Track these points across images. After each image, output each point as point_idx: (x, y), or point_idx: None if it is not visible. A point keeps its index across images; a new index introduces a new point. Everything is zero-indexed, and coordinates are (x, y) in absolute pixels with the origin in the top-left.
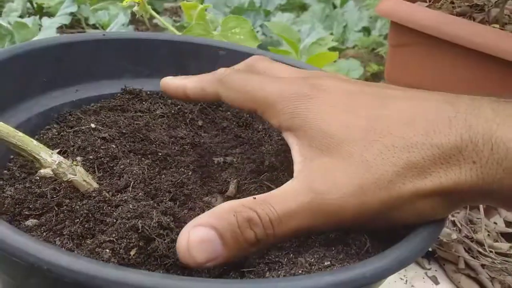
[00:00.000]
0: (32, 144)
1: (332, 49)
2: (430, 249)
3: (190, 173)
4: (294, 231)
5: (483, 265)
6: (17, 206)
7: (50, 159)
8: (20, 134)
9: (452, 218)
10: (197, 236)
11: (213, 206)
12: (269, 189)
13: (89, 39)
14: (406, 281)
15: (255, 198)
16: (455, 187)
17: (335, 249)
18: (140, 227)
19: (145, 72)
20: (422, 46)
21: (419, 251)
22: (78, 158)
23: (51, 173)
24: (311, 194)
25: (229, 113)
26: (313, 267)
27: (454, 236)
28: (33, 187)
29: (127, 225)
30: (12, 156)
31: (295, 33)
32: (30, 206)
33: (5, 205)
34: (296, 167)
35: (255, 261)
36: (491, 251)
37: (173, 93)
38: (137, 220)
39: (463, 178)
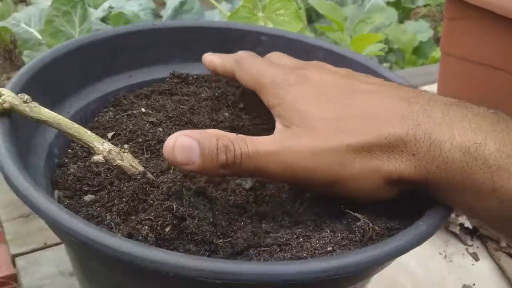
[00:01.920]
0: (86, 135)
1: (402, 8)
2: (471, 226)
3: None
4: (256, 169)
5: None
6: (78, 182)
7: (101, 147)
8: (76, 125)
9: None
10: (183, 141)
11: (243, 188)
12: None
13: (141, 29)
14: (445, 256)
15: (237, 135)
16: (395, 172)
17: (340, 236)
18: (174, 208)
19: (192, 57)
20: (475, 20)
21: (415, 243)
22: (126, 146)
23: (103, 159)
24: (277, 146)
25: None
26: (316, 251)
27: None
28: (92, 165)
29: (163, 206)
30: None
31: (341, 12)
32: (89, 183)
33: (68, 182)
34: (275, 131)
35: (270, 242)
36: None
37: (207, 66)
38: (172, 202)
39: (403, 166)
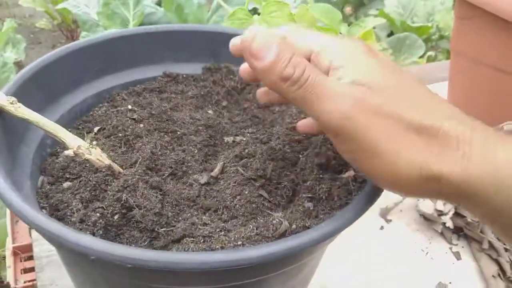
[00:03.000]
0: (61, 132)
1: None
2: (453, 226)
3: (196, 151)
4: (311, 101)
5: (506, 249)
6: (61, 170)
7: (73, 143)
8: (53, 124)
9: None
10: (265, 38)
11: (198, 183)
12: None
13: (135, 33)
14: (427, 253)
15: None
16: (438, 167)
17: (255, 232)
18: (123, 199)
19: (184, 58)
20: (481, 20)
21: (304, 245)
22: (94, 142)
23: (73, 153)
24: (345, 93)
25: (250, 95)
26: (229, 244)
27: None
28: (75, 157)
29: (115, 197)
30: (69, 129)
31: (337, 15)
32: (71, 171)
33: (55, 169)
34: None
35: (200, 233)
36: None
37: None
38: (123, 193)
39: (448, 163)
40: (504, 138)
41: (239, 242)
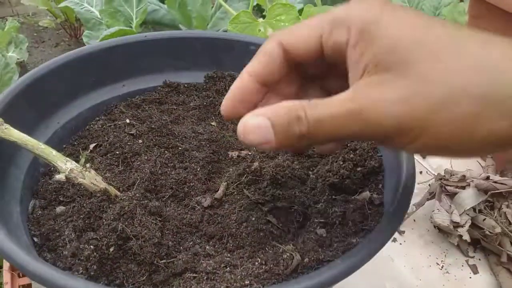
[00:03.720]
0: (51, 155)
1: None
2: (470, 239)
3: (198, 169)
4: (335, 133)
5: None
6: (54, 193)
7: (64, 166)
8: (43, 146)
9: (504, 210)
10: (254, 122)
11: (201, 206)
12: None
13: (133, 41)
14: (442, 266)
15: (310, 100)
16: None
17: (264, 268)
18: (119, 229)
19: (184, 66)
20: (496, 18)
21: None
22: (88, 165)
23: (64, 178)
24: (353, 104)
25: None
26: (235, 284)
27: (498, 229)
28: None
29: (111, 226)
30: (64, 146)
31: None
32: (65, 194)
33: (48, 191)
34: (355, 78)
35: (203, 268)
36: None
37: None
38: (119, 222)
39: None
40: None
41: (247, 282)
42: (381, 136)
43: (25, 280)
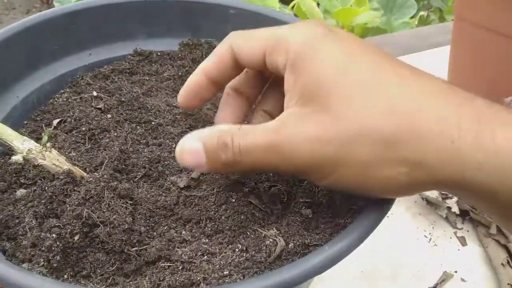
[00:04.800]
0: (6, 133)
1: None
2: (459, 211)
3: (173, 146)
4: (257, 163)
5: None
6: (15, 174)
7: (21, 147)
8: None
9: None
10: (190, 146)
11: (177, 187)
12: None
13: (98, 4)
14: (430, 239)
15: (240, 127)
16: (420, 160)
17: (245, 256)
18: (84, 215)
19: (158, 32)
20: None
21: (307, 274)
22: (48, 144)
23: (22, 159)
24: (274, 137)
25: None
26: (212, 275)
27: None
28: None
29: (75, 213)
30: (26, 122)
31: None
32: (26, 175)
33: (7, 172)
34: (288, 104)
35: (178, 256)
36: None
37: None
38: (84, 207)
39: (436, 156)
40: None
41: (226, 272)
42: (296, 171)
43: None
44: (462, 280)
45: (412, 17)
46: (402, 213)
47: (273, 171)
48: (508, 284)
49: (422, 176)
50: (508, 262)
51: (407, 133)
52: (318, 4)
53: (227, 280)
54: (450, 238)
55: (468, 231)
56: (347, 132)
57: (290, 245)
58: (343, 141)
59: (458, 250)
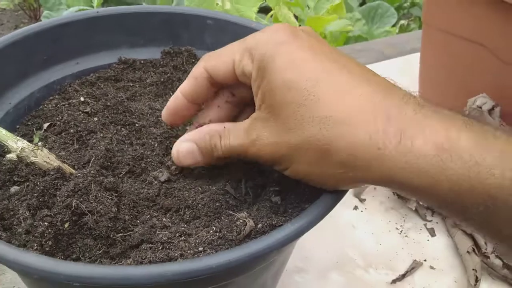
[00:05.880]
0: (1, 134)
1: None
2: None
3: (156, 145)
4: (239, 156)
5: None
6: (8, 173)
7: (15, 146)
8: None
9: None
10: (184, 148)
11: (158, 181)
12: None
13: (85, 17)
14: (401, 231)
15: (225, 127)
16: (354, 164)
17: (218, 235)
18: (73, 205)
19: (140, 42)
20: None
21: (266, 250)
22: (40, 143)
23: (15, 157)
24: (246, 140)
25: None
26: (189, 251)
27: None
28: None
29: (64, 203)
30: (18, 126)
31: None
32: (19, 174)
33: (2, 171)
34: (252, 115)
35: (159, 238)
36: None
37: (170, 117)
38: (73, 198)
39: (366, 160)
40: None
41: (200, 248)
42: (265, 163)
43: None
44: (431, 267)
45: (393, 26)
46: (375, 207)
47: (252, 160)
48: (473, 269)
49: (358, 175)
50: (473, 250)
51: (340, 142)
52: (295, 16)
53: (201, 255)
54: (420, 229)
55: (437, 223)
56: (294, 139)
57: (258, 225)
58: (291, 146)
59: (428, 240)
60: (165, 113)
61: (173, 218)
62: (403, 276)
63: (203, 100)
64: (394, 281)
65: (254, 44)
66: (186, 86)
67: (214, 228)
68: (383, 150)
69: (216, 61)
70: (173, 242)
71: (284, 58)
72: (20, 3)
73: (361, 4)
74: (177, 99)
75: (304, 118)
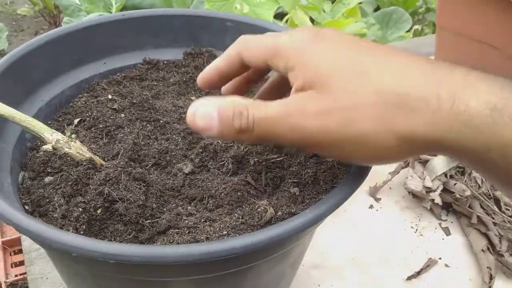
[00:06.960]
0: (38, 126)
1: None
2: (441, 203)
3: (179, 140)
4: (266, 134)
5: (495, 223)
6: (42, 165)
7: (51, 137)
8: (30, 118)
9: (474, 174)
10: (204, 111)
11: (182, 172)
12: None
13: (110, 20)
14: (417, 230)
15: (254, 100)
16: (410, 131)
17: (241, 220)
18: (106, 192)
19: (164, 43)
20: None
21: (287, 233)
22: (73, 135)
23: (51, 148)
24: (285, 108)
25: None
26: (214, 234)
27: (468, 192)
28: (55, 151)
29: (97, 190)
30: (49, 122)
31: None
32: (52, 165)
33: (36, 164)
34: (291, 95)
35: (185, 224)
36: (507, 209)
37: (207, 75)
38: (105, 186)
39: (420, 125)
40: (477, 84)
41: (224, 232)
42: (301, 141)
43: (17, 258)
44: (446, 265)
45: (407, 31)
46: (391, 206)
47: (281, 141)
48: (487, 267)
49: (414, 144)
50: (488, 249)
51: (394, 109)
52: (311, 19)
53: (225, 238)
54: (435, 228)
55: (452, 222)
56: (347, 107)
57: (278, 213)
58: (344, 115)
59: (443, 239)
60: (199, 77)
61: (197, 206)
62: (418, 274)
63: (232, 76)
64: (409, 278)
65: (285, 45)
66: (219, 61)
67: (237, 215)
68: (438, 114)
69: (249, 51)
70: (198, 227)
71: (320, 48)
72: (40, 9)
73: (375, 10)
74: (210, 69)
75: (357, 89)
